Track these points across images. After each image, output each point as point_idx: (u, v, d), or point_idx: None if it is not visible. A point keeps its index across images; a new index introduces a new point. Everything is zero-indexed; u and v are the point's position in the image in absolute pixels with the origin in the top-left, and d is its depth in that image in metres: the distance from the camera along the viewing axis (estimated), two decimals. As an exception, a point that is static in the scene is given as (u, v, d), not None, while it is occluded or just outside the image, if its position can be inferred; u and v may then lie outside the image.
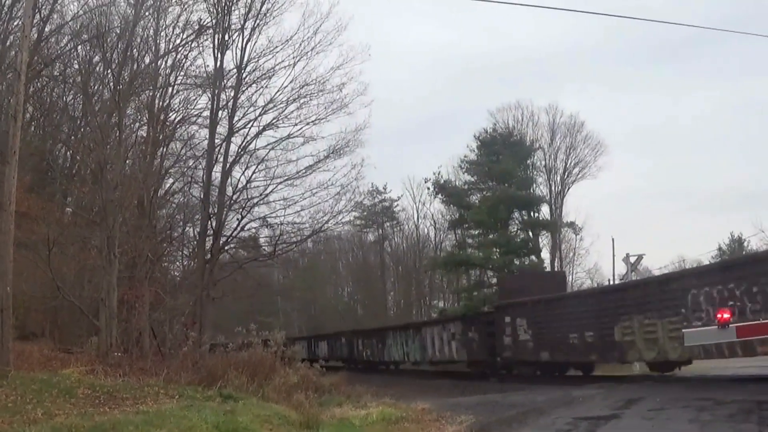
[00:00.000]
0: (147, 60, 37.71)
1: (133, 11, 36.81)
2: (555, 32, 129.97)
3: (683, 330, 24.81)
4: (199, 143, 41.64)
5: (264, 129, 40.88)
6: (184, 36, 39.04)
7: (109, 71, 35.67)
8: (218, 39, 40.30)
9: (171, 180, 41.34)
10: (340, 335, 67.92)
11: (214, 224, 39.99)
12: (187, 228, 43.72)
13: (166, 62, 38.85)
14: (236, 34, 40.73)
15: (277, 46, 40.44)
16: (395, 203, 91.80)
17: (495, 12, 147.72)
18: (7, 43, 37.26)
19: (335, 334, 70.26)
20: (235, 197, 40.75)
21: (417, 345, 51.29)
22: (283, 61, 40.54)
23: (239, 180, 41.05)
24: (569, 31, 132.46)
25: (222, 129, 40.72)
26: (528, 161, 71.40)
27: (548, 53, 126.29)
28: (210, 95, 40.68)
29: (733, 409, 17.47)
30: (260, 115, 40.76)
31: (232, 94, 40.83)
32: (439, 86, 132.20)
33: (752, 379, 24.75)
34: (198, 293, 37.05)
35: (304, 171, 41.03)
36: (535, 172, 73.22)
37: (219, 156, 40.75)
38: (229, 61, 40.91)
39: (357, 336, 64.48)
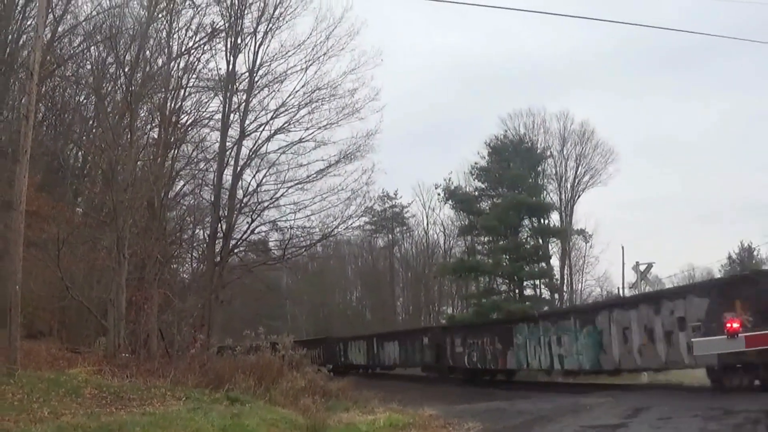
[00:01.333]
0: (160, 62, 37.80)
1: (146, 13, 36.93)
2: (568, 40, 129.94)
3: (693, 339, 24.83)
4: (210, 146, 41.69)
5: (275, 133, 41.00)
6: (197, 39, 39.09)
7: (121, 72, 35.77)
8: (231, 42, 40.42)
9: (182, 182, 41.29)
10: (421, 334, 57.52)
11: (224, 227, 40.05)
12: (197, 230, 43.74)
13: (178, 64, 38.86)
14: (249, 37, 40.88)
15: (289, 51, 40.58)
16: (405, 209, 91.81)
17: (506, 19, 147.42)
18: (20, 43, 37.35)
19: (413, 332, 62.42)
20: (245, 200, 40.87)
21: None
22: (295, 65, 40.68)
23: (250, 183, 41.23)
24: (582, 39, 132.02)
25: (233, 132, 40.87)
26: (539, 168, 71.42)
27: (561, 61, 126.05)
28: (222, 98, 40.80)
29: (740, 419, 17.41)
30: (272, 118, 40.90)
31: (244, 97, 40.97)
32: (450, 92, 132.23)
33: (758, 389, 24.65)
34: (207, 296, 37.02)
35: (314, 175, 41.13)
36: (545, 179, 73.29)
37: (230, 159, 40.88)
38: (242, 64, 41.04)
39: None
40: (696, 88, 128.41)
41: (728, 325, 23.22)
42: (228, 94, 40.45)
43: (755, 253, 74.30)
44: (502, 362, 42.42)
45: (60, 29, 39.25)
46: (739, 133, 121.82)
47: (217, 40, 40.04)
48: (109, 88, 38.01)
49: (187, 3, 38.83)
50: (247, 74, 40.96)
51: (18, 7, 37.78)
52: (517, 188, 66.66)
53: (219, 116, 40.86)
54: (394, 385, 39.23)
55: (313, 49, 40.30)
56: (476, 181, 72.70)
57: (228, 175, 40.80)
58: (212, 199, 40.91)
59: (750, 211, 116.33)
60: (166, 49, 37.94)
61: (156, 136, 37.34)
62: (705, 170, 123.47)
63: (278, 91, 41.12)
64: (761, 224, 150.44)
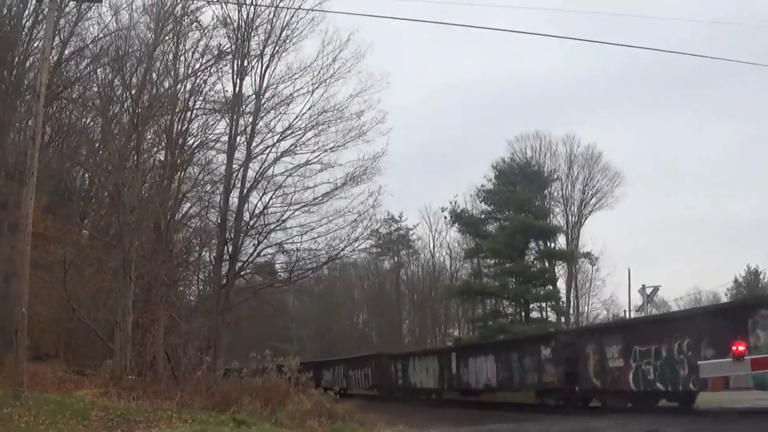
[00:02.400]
0: (166, 84, 37.82)
1: (152, 35, 36.94)
2: (573, 65, 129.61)
3: (698, 362, 24.71)
4: (216, 168, 41.70)
5: (282, 155, 41.01)
6: (204, 61, 39.15)
7: (128, 95, 35.89)
8: (237, 65, 40.48)
9: (188, 204, 41.33)
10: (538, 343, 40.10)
11: (230, 249, 40.03)
12: (204, 253, 43.81)
13: (185, 87, 38.93)
14: (255, 60, 40.93)
15: (295, 73, 40.66)
16: (411, 231, 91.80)
17: (513, 43, 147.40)
18: (27, 65, 37.40)
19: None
20: (251, 223, 40.80)
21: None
22: (301, 87, 40.74)
23: (256, 206, 41.14)
24: (587, 64, 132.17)
25: (240, 154, 40.86)
26: (545, 191, 71.44)
27: (567, 85, 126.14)
28: (228, 120, 40.80)
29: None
30: (278, 141, 40.92)
31: (251, 119, 40.99)
32: (456, 115, 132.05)
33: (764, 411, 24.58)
34: (213, 318, 37.02)
35: (321, 198, 41.10)
36: (552, 202, 73.27)
37: (236, 181, 40.82)
38: (248, 86, 41.07)
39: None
40: (703, 112, 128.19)
41: (734, 348, 23.12)
42: (234, 117, 40.50)
43: (761, 276, 74.16)
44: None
45: (67, 51, 39.38)
46: (747, 156, 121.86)
47: (224, 63, 40.14)
48: (116, 111, 38.18)
49: (193, 25, 38.96)
50: (253, 96, 41.04)
51: (25, 29, 37.87)
52: (524, 211, 66.66)
53: (225, 138, 40.92)
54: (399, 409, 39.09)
55: (319, 71, 40.44)
56: (483, 203, 72.82)
57: (234, 198, 40.84)
58: (218, 221, 40.84)
59: (756, 235, 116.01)
60: (172, 72, 38.03)
61: (162, 159, 37.43)
62: (712, 193, 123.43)
63: (285, 113, 41.23)
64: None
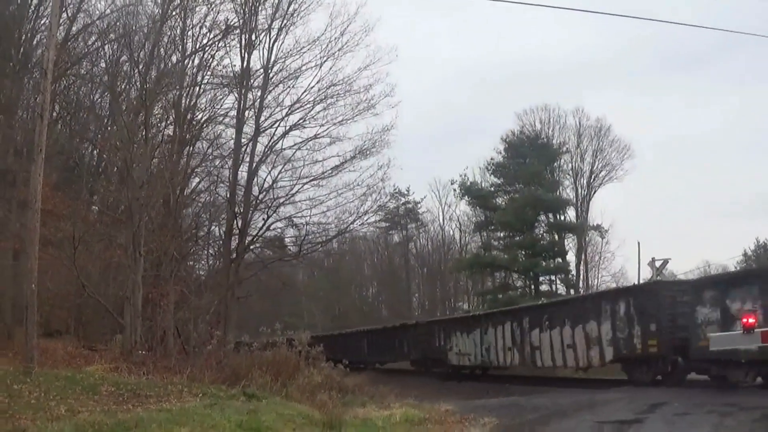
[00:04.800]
0: (174, 59, 37.86)
1: (160, 10, 36.93)
2: (581, 39, 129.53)
3: (709, 334, 24.60)
4: (225, 143, 41.72)
5: (290, 129, 40.98)
6: (211, 36, 39.12)
7: (136, 70, 35.85)
8: (245, 39, 40.42)
9: (197, 179, 41.38)
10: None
11: (239, 224, 40.07)
12: (213, 227, 43.83)
13: (193, 62, 38.97)
14: (263, 34, 40.89)
15: (303, 47, 40.60)
16: (419, 205, 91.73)
17: (520, 18, 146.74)
18: (35, 42, 37.37)
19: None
20: (261, 197, 40.80)
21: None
22: (309, 61, 40.69)
23: (265, 180, 41.13)
24: (595, 38, 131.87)
25: (248, 129, 40.85)
26: (555, 164, 71.27)
27: (575, 60, 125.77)
28: (237, 95, 40.83)
29: (756, 415, 17.35)
30: (287, 115, 40.89)
31: (259, 93, 40.96)
32: (465, 90, 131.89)
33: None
34: (223, 292, 37.09)
35: (330, 171, 41.09)
36: (561, 175, 73.07)
37: (245, 156, 40.86)
38: (256, 60, 41.05)
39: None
40: (712, 85, 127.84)
41: (744, 320, 23.00)
42: (243, 91, 40.48)
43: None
44: None
45: (74, 28, 39.30)
46: (757, 129, 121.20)
47: (232, 37, 40.09)
48: (124, 86, 38.15)
49: (200, 0, 38.88)
50: (261, 71, 41.02)
51: (32, 7, 37.83)
52: (534, 184, 66.52)
53: (234, 113, 40.94)
54: (409, 381, 39.08)
55: (327, 45, 40.36)
56: (492, 176, 72.82)
57: (243, 172, 40.89)
58: (228, 195, 40.88)
59: (766, 208, 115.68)
60: (180, 47, 38.06)
61: (171, 134, 37.50)
62: (721, 167, 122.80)
63: (293, 87, 41.20)
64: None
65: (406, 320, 60.69)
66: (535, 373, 38.54)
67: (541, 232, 68.99)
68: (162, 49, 36.63)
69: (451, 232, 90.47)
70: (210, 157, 40.64)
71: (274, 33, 40.76)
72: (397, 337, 54.03)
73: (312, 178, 41.05)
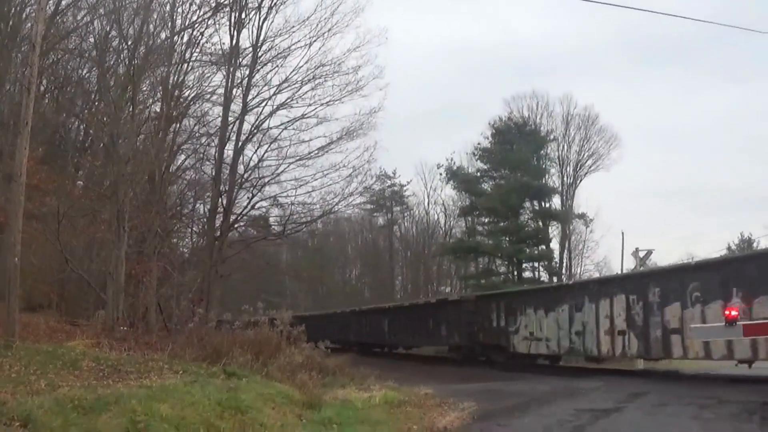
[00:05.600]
0: (163, 36, 37.62)
1: (149, -14, 36.76)
2: (571, 27, 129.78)
3: (691, 325, 24.72)
4: (212, 121, 41.59)
5: (278, 108, 40.94)
6: (201, 13, 38.99)
7: (124, 46, 35.68)
8: (235, 17, 40.33)
9: (183, 156, 41.35)
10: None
11: (224, 202, 40.06)
12: (198, 205, 43.89)
13: (181, 39, 38.81)
14: (253, 12, 40.80)
15: (293, 26, 40.49)
16: (405, 188, 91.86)
17: (510, 5, 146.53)
18: (24, 15, 37.20)
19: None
20: (246, 176, 40.84)
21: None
22: (299, 41, 40.61)
23: (251, 159, 41.17)
24: (585, 27, 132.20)
25: (236, 107, 40.81)
26: (542, 151, 71.48)
27: (565, 49, 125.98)
28: (225, 73, 40.71)
29: (735, 409, 17.47)
30: (274, 94, 40.86)
31: (247, 72, 40.91)
32: (453, 76, 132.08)
33: (757, 379, 24.68)
34: (206, 270, 37.09)
35: (316, 152, 41.11)
36: (548, 162, 73.30)
37: (232, 134, 40.84)
38: (245, 39, 40.97)
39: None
40: (701, 77, 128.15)
41: (727, 312, 23.08)
42: (231, 69, 40.39)
43: (755, 244, 74.05)
44: None
45: (63, 2, 39.05)
46: (743, 124, 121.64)
47: (221, 15, 39.97)
48: (112, 62, 37.96)
49: (190, -24, 38.72)
50: (250, 49, 40.94)
51: (22, -21, 37.66)
52: (520, 171, 66.74)
53: (221, 91, 40.85)
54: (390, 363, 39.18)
55: (317, 25, 40.27)
56: (479, 162, 73.12)
57: (229, 150, 40.83)
58: (213, 173, 40.92)
59: (751, 203, 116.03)
60: (169, 23, 37.83)
61: (158, 110, 37.35)
62: (708, 160, 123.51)
63: (281, 66, 41.13)
64: (762, 216, 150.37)
65: (446, 296, 57.81)
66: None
67: (526, 218, 69.34)
68: (151, 25, 36.41)
69: (436, 217, 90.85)
70: (196, 135, 40.66)
71: (264, 11, 40.71)
72: (431, 317, 47.73)
73: (298, 158, 41.08)
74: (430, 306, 50.20)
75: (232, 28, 40.26)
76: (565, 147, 75.27)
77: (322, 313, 64.32)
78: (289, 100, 40.78)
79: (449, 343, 46.60)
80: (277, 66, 41.11)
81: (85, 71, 41.54)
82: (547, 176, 71.85)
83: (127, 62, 35.11)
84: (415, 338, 50.76)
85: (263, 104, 40.95)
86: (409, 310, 52.83)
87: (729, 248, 76.02)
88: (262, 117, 41.01)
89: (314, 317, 56.61)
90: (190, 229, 45.68)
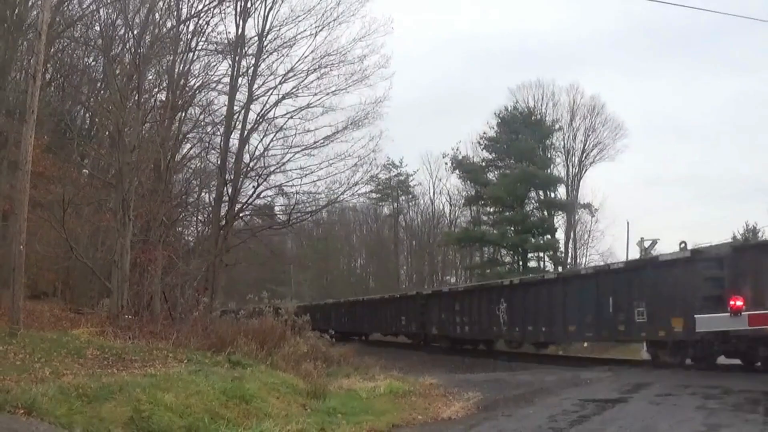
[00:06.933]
0: (168, 24, 37.59)
1: (156, -25, 36.71)
2: (578, 19, 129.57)
3: (695, 315, 24.61)
4: (217, 110, 41.47)
5: (283, 97, 40.75)
6: (207, 2, 38.81)
7: (130, 35, 35.60)
8: (241, 6, 40.15)
9: (188, 145, 41.35)
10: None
11: (229, 191, 39.97)
12: (203, 194, 43.70)
13: (187, 27, 38.65)
14: (259, 1, 40.60)
15: (299, 15, 40.29)
16: (411, 177, 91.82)
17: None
18: (29, 3, 37.17)
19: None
20: (251, 165, 40.66)
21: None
22: (304, 30, 40.40)
23: (257, 148, 40.96)
24: (593, 18, 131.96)
25: (241, 96, 40.64)
26: (547, 141, 71.41)
27: (571, 39, 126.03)
28: (230, 62, 40.57)
29: (740, 399, 17.43)
30: (280, 83, 40.63)
31: (253, 61, 40.74)
32: (459, 66, 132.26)
33: (761, 369, 24.61)
34: (211, 259, 37.04)
35: (322, 141, 40.87)
36: (553, 152, 73.22)
37: (237, 123, 40.67)
38: (251, 28, 40.77)
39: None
40: (707, 68, 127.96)
41: (732, 302, 23.01)
42: (237, 58, 40.25)
43: (760, 234, 73.82)
44: None
45: (69, -10, 39.11)
46: (748, 114, 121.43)
47: (227, 4, 39.75)
48: (118, 50, 37.93)
49: (197, -34, 38.64)
50: (256, 38, 40.75)
51: (27, -33, 37.63)
52: (525, 160, 66.69)
53: (227, 80, 40.65)
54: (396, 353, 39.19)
55: (323, 14, 40.06)
56: (484, 151, 73.16)
57: (235, 139, 40.67)
58: (218, 162, 40.77)
59: (756, 193, 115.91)
60: (175, 12, 37.76)
61: (163, 99, 37.28)
62: (713, 150, 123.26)
63: (287, 56, 40.91)
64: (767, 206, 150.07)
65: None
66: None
67: (532, 208, 69.28)
68: (157, 14, 36.40)
69: (441, 206, 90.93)
70: (202, 124, 40.59)
71: (269, 1, 40.58)
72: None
73: (303, 147, 40.90)
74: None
75: (237, 17, 40.14)
76: (571, 136, 75.23)
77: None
78: (294, 90, 40.63)
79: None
80: (283, 55, 40.94)
81: (90, 59, 41.64)
82: (552, 166, 71.94)
83: (132, 51, 35.02)
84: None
85: (269, 93, 40.79)
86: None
87: (734, 237, 75.95)
88: (267, 106, 40.86)
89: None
90: (195, 218, 45.64)
